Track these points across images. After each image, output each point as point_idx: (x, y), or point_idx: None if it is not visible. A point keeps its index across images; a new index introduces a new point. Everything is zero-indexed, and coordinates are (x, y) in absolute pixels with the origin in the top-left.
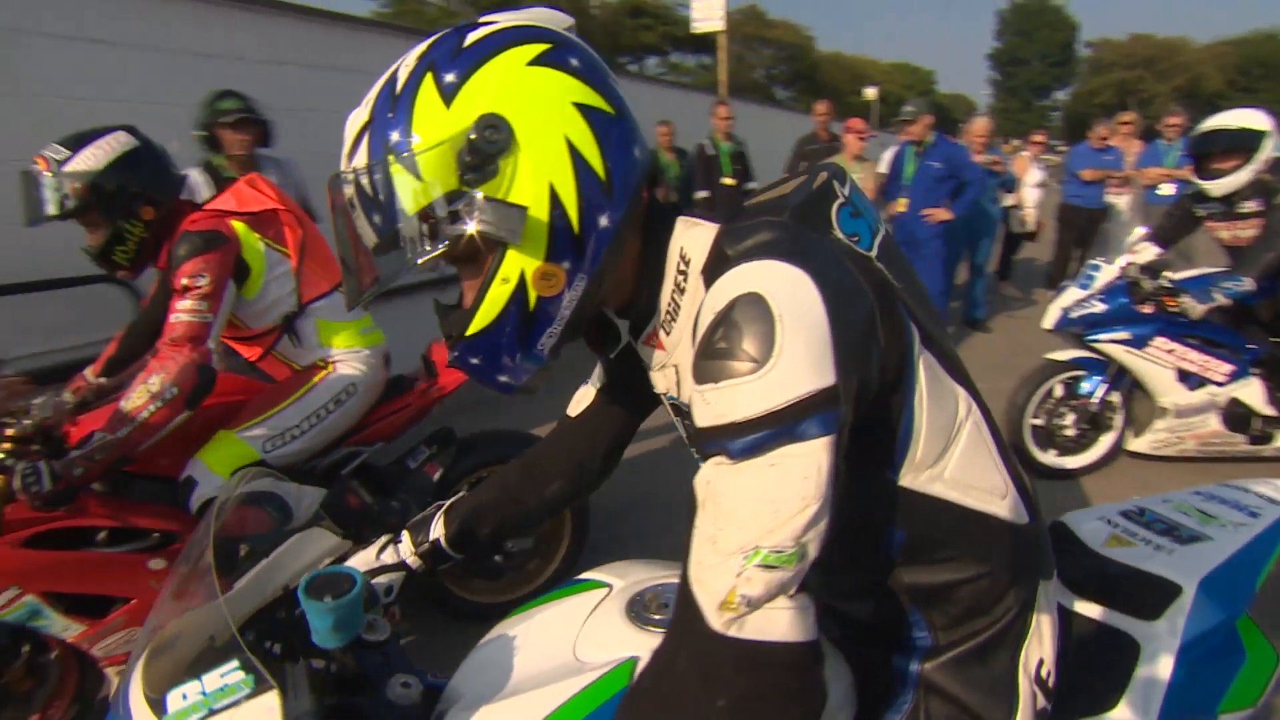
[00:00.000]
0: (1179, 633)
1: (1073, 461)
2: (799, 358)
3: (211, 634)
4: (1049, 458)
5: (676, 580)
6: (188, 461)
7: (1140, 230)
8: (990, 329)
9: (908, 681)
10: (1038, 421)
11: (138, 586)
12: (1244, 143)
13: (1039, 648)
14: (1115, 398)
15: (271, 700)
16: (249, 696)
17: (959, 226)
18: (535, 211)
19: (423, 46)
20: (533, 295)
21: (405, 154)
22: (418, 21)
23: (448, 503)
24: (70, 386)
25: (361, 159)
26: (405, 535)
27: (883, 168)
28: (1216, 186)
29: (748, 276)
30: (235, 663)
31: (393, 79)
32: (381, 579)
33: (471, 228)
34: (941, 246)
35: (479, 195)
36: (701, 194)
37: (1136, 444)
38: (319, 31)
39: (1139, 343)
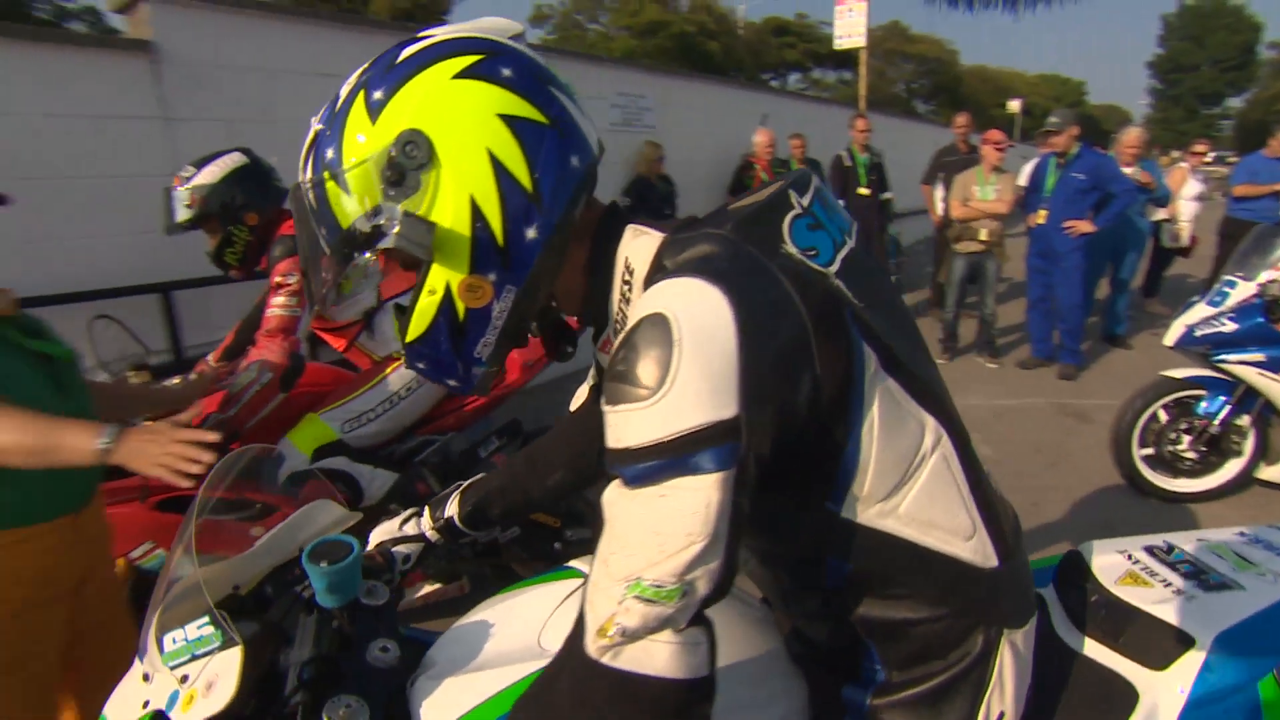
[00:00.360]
0: (1187, 689)
1: (1187, 485)
2: (693, 387)
3: (201, 589)
4: (1161, 479)
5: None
6: (280, 440)
7: None
8: (1131, 346)
9: (857, 713)
10: (1147, 450)
11: (241, 549)
12: None
13: (1000, 700)
14: (1243, 421)
15: (235, 654)
16: (220, 648)
17: (1102, 240)
18: (456, 225)
19: (367, 63)
20: (460, 306)
21: (337, 170)
22: (580, 46)
23: (465, 484)
24: (196, 370)
25: (308, 173)
26: (426, 510)
27: (1023, 180)
28: None
29: (662, 295)
30: (206, 619)
31: (336, 95)
32: (401, 548)
33: (388, 242)
34: (1082, 259)
35: (398, 210)
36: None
37: (1269, 473)
38: None
39: (1276, 365)
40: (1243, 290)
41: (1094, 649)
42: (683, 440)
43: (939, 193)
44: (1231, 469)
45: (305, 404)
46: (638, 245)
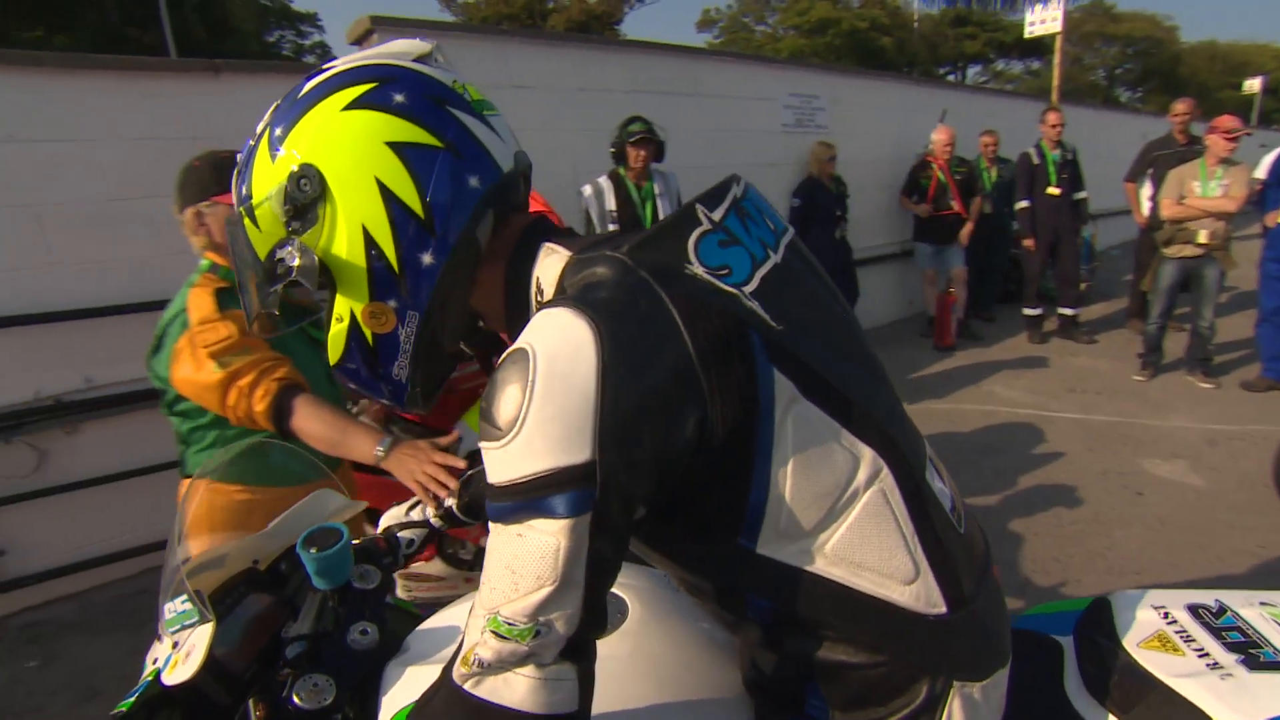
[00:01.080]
0: None
1: None
2: (543, 431)
3: (192, 565)
4: None
5: (631, 581)
6: (457, 421)
7: None
8: None
9: None
10: None
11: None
12: None
13: None
14: None
15: (206, 630)
16: (198, 622)
17: None
18: (351, 255)
19: (281, 99)
20: (367, 332)
21: (248, 206)
22: (745, 48)
23: (470, 473)
24: None
25: (235, 206)
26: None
27: (1260, 173)
28: None
29: (531, 328)
30: (184, 596)
31: (253, 131)
32: (406, 533)
33: (290, 275)
34: None
35: (296, 244)
36: (1022, 204)
37: None
38: (669, 62)
39: None
40: None
41: (1098, 718)
42: (532, 484)
43: (1146, 190)
44: None
45: (479, 389)
46: (548, 265)
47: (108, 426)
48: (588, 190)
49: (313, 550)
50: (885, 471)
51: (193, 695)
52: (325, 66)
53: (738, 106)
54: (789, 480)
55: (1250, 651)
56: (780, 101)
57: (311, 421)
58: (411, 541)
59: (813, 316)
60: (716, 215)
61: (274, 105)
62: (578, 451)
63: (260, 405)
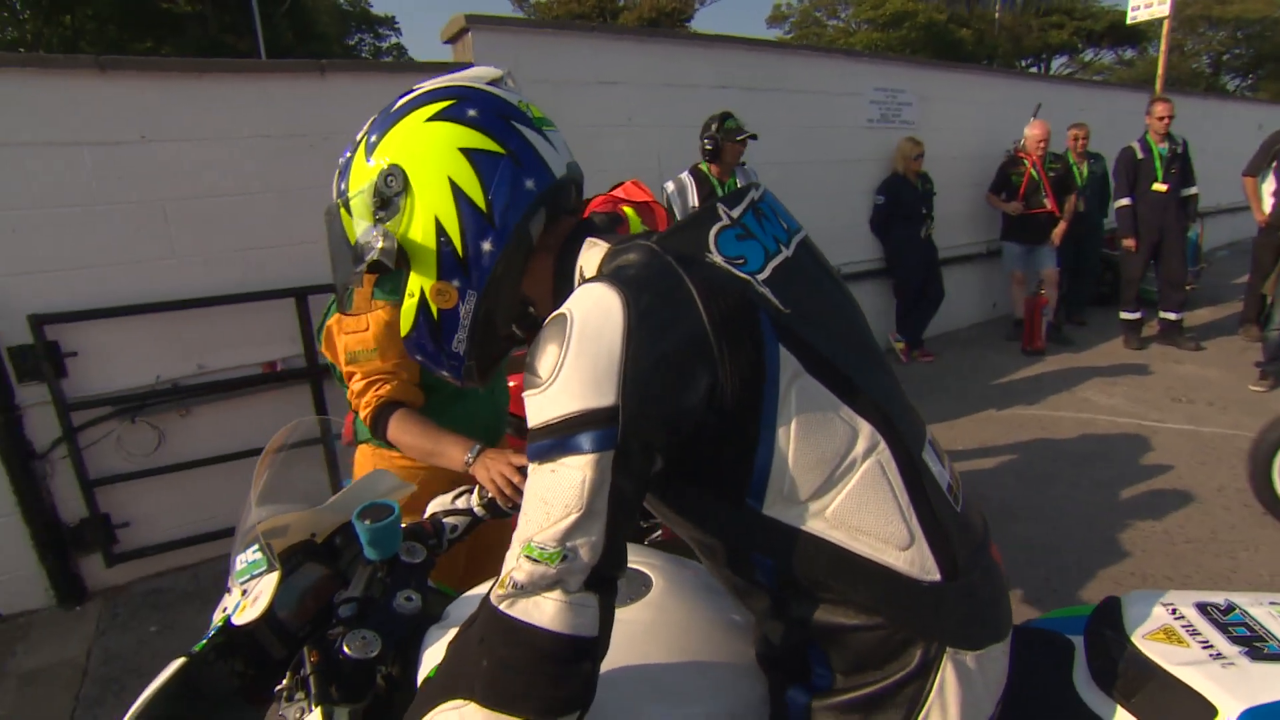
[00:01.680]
0: None
1: None
2: (576, 378)
3: (265, 526)
4: None
5: (633, 562)
6: None
7: None
8: None
9: (796, 715)
10: None
11: None
12: None
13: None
14: None
15: (273, 578)
16: (264, 572)
17: None
18: (425, 240)
19: (378, 114)
20: (433, 307)
21: (346, 198)
22: (818, 41)
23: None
24: None
25: (334, 197)
26: (476, 488)
27: None
28: None
29: (573, 297)
30: (256, 546)
31: (354, 138)
32: (451, 519)
33: (374, 255)
34: None
35: (382, 229)
36: (1123, 202)
37: None
38: (754, 57)
39: None
40: None
41: (1105, 707)
42: (566, 423)
43: (1269, 185)
44: None
45: None
46: (590, 255)
47: (217, 410)
48: (670, 186)
49: (366, 522)
50: (883, 445)
51: (252, 645)
52: (416, 87)
53: (822, 101)
54: (792, 446)
55: (1255, 644)
56: (866, 96)
57: (405, 434)
58: (455, 527)
59: (818, 305)
60: (735, 213)
61: (372, 118)
62: (604, 396)
63: (364, 413)
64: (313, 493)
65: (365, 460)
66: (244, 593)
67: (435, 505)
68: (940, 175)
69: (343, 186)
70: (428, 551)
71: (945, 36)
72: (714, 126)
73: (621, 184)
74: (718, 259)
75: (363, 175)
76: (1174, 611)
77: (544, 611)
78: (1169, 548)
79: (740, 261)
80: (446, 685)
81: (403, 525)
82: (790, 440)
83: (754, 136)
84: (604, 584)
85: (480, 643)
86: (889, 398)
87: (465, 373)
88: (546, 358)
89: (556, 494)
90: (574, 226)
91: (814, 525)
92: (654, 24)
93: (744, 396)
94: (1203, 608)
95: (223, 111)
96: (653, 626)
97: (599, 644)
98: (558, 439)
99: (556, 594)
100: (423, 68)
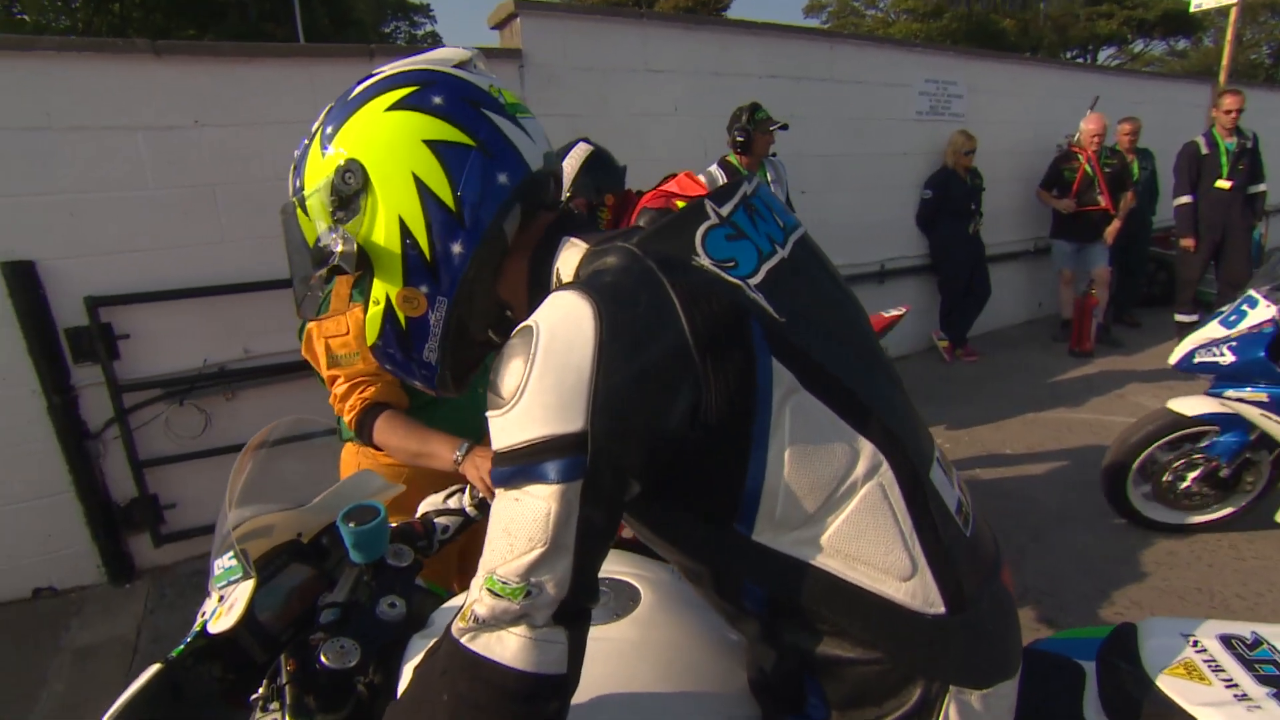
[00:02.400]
0: None
1: (1178, 517)
2: (540, 400)
3: (242, 530)
4: (1153, 509)
5: (623, 574)
6: None
7: None
8: None
9: None
10: (1145, 488)
11: None
12: None
13: None
14: (1262, 457)
15: (248, 586)
16: (240, 579)
17: None
18: (389, 243)
19: (334, 101)
20: (401, 315)
21: (301, 196)
22: (857, 30)
23: None
24: None
25: (289, 195)
26: (467, 487)
27: None
28: None
29: (542, 307)
30: (231, 553)
31: (309, 132)
32: (442, 519)
33: (332, 260)
34: None
35: (340, 231)
36: (1184, 199)
37: None
38: (803, 46)
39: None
40: (1261, 313)
41: None
42: (529, 449)
43: None
44: (1232, 505)
45: None
46: (568, 256)
47: (261, 394)
48: (701, 179)
49: (351, 525)
50: (885, 466)
51: (233, 649)
52: (374, 72)
53: (871, 92)
54: (785, 469)
55: None
56: (915, 88)
57: (391, 436)
58: (447, 528)
59: (819, 311)
60: (725, 211)
61: (328, 106)
62: (571, 421)
63: (347, 416)
64: (304, 490)
65: (350, 460)
66: (220, 599)
67: (426, 505)
68: (989, 170)
69: (298, 184)
70: (416, 554)
71: (987, 27)
72: (744, 117)
73: (674, 176)
74: (705, 262)
75: (318, 171)
76: (1195, 644)
77: (507, 647)
78: (1237, 563)
79: (730, 264)
80: (409, 713)
81: (393, 525)
82: (784, 462)
83: (784, 126)
84: (574, 618)
85: (442, 674)
86: (895, 412)
87: (439, 381)
88: (510, 376)
89: (520, 526)
90: (550, 223)
91: (807, 553)
92: (690, 11)
93: (732, 415)
94: (1226, 640)
95: (272, 96)
96: (640, 645)
97: (567, 682)
98: (520, 466)
99: (521, 629)
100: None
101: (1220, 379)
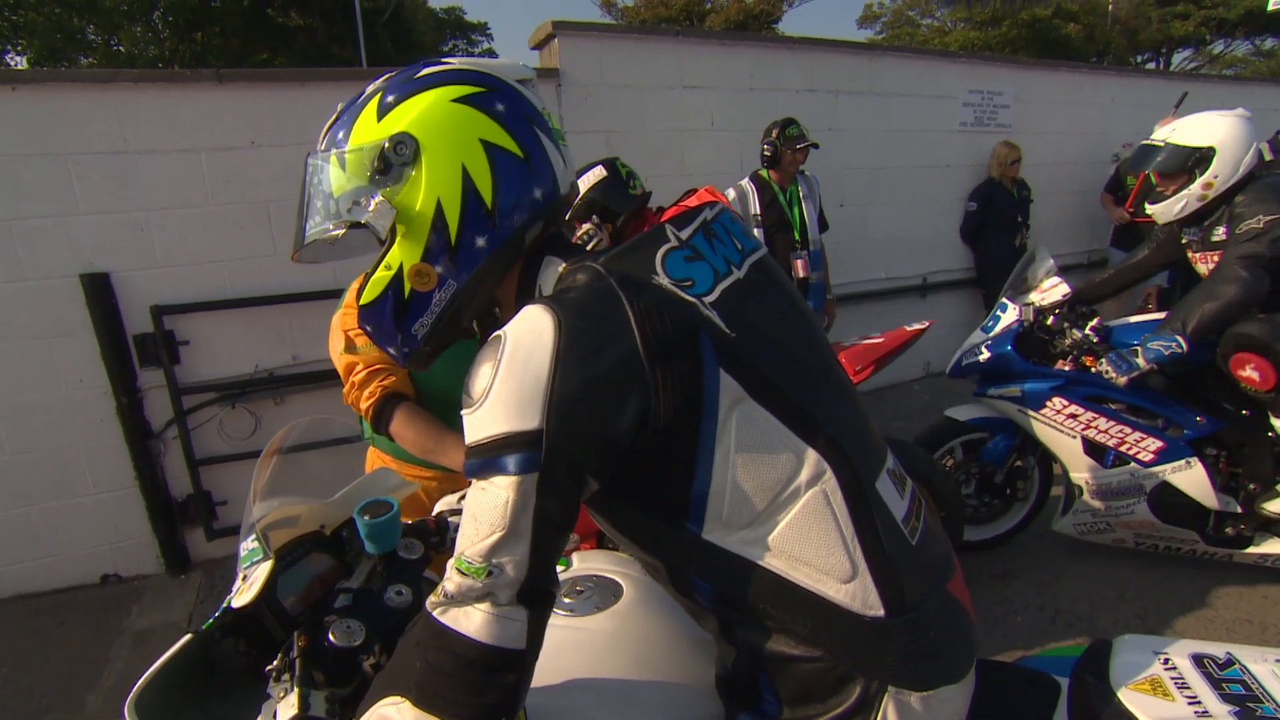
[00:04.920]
0: None
1: (969, 534)
2: (502, 401)
3: (269, 520)
4: None
5: (608, 571)
6: None
7: (1049, 259)
8: None
9: None
10: None
11: None
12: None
13: None
14: (1030, 462)
15: (266, 566)
16: (260, 560)
17: None
18: (420, 218)
19: (393, 71)
20: (407, 286)
21: (342, 149)
22: (911, 41)
23: None
24: None
25: (321, 145)
26: None
27: None
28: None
29: (514, 319)
30: (253, 537)
31: (362, 90)
32: (455, 519)
33: (361, 217)
34: None
35: (377, 194)
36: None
37: (1061, 524)
38: (843, 59)
39: (1032, 401)
40: (1010, 314)
41: None
42: (491, 444)
43: None
44: (1013, 516)
45: None
46: (548, 274)
47: (308, 399)
48: (731, 194)
49: (366, 518)
50: (829, 474)
51: (255, 626)
52: (444, 60)
53: (914, 104)
54: (731, 472)
55: (1248, 705)
56: (960, 99)
57: (408, 429)
58: (458, 526)
59: (771, 328)
60: (684, 234)
61: (387, 75)
62: (528, 419)
63: (365, 404)
64: (334, 485)
65: (374, 463)
66: (244, 578)
67: (442, 505)
68: (1038, 181)
69: (339, 136)
70: (426, 548)
71: (1049, 33)
72: (774, 133)
73: (694, 191)
74: (664, 281)
75: (370, 132)
76: (1166, 661)
77: (472, 621)
78: None
79: (688, 283)
80: (390, 680)
81: (409, 522)
82: (729, 466)
83: (815, 145)
84: (535, 598)
85: (417, 644)
86: (843, 425)
87: (414, 356)
88: (480, 378)
89: (484, 512)
90: (543, 240)
91: (753, 552)
92: (741, 26)
93: (680, 421)
94: (1198, 660)
95: (324, 117)
96: (615, 637)
97: (526, 657)
98: (486, 459)
99: (485, 606)
100: None
101: (983, 380)
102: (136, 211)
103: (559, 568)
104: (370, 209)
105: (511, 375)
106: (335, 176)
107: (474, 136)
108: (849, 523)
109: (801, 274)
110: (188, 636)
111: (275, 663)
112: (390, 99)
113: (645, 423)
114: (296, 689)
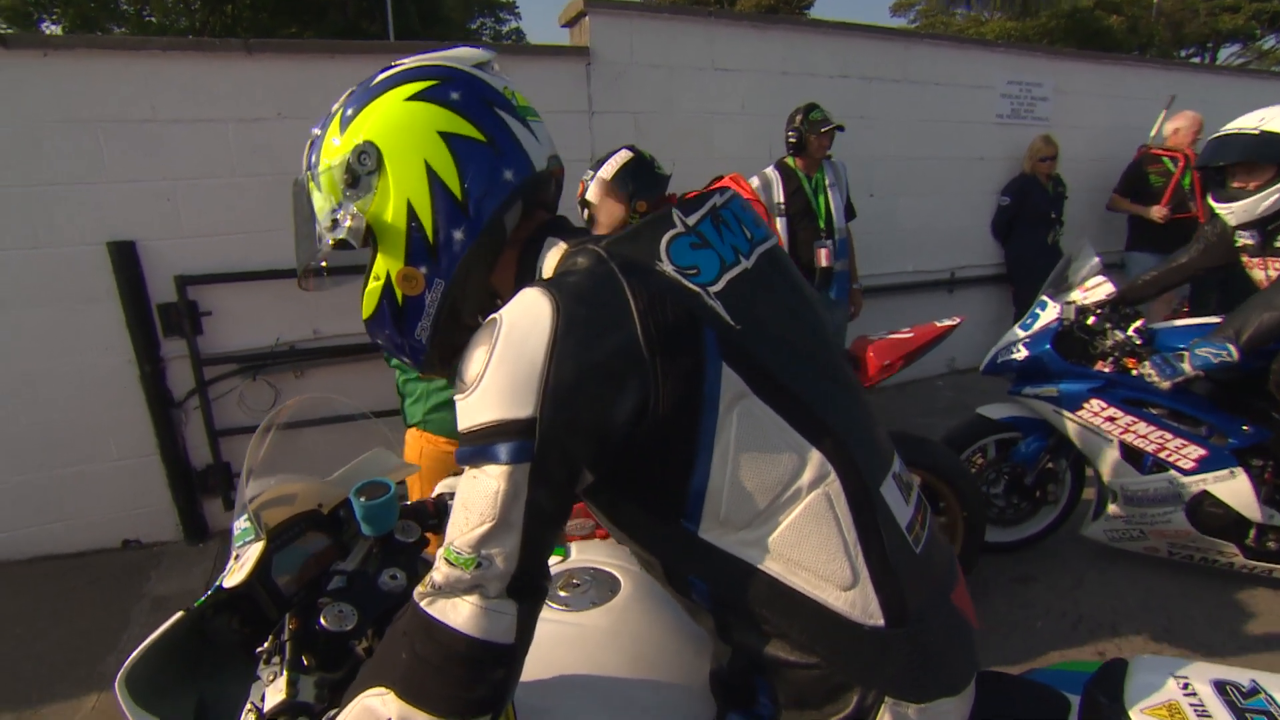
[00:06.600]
0: None
1: (994, 536)
2: (495, 387)
3: (265, 498)
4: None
5: (606, 564)
6: None
7: (1094, 257)
8: None
9: None
10: None
11: None
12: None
13: None
14: (1062, 464)
15: (258, 546)
16: (252, 540)
17: None
18: (395, 223)
19: (356, 85)
20: (399, 292)
21: (315, 171)
22: (946, 30)
23: None
24: None
25: (302, 170)
26: None
27: None
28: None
29: (510, 303)
30: (246, 516)
31: (330, 108)
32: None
33: (340, 234)
34: None
35: (350, 208)
36: None
37: (1091, 529)
38: (877, 45)
39: (1069, 402)
40: (1050, 312)
41: None
42: (483, 431)
43: None
44: (1040, 520)
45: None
46: (550, 256)
47: (328, 373)
48: (755, 182)
49: (362, 499)
50: (833, 476)
51: (250, 604)
52: (397, 63)
53: (949, 94)
54: (730, 470)
55: None
56: (998, 90)
57: None
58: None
59: (778, 321)
60: (691, 220)
61: (350, 90)
62: (521, 407)
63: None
64: (337, 463)
65: (414, 444)
66: (236, 557)
67: (443, 486)
68: (1073, 177)
69: (313, 159)
70: (423, 531)
71: (1090, 25)
72: (798, 118)
73: (719, 179)
74: (668, 268)
75: (334, 150)
76: (1185, 686)
77: (460, 613)
78: None
79: (693, 272)
80: (376, 671)
81: (407, 504)
82: (729, 464)
83: (841, 128)
84: (525, 592)
85: (403, 635)
86: (850, 425)
87: (426, 361)
88: (474, 363)
89: (474, 501)
90: (542, 223)
91: (751, 554)
92: (773, 10)
93: (679, 415)
94: (1221, 686)
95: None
96: (611, 633)
97: (515, 652)
98: (478, 447)
99: (474, 598)
100: (542, 50)
101: (1019, 378)
102: (162, 181)
103: (556, 557)
104: (347, 224)
105: (505, 361)
106: (316, 199)
107: (431, 131)
108: (851, 528)
109: (825, 263)
110: (179, 614)
111: (266, 644)
112: (350, 112)
113: (643, 415)
114: (285, 674)
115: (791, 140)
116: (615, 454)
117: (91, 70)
